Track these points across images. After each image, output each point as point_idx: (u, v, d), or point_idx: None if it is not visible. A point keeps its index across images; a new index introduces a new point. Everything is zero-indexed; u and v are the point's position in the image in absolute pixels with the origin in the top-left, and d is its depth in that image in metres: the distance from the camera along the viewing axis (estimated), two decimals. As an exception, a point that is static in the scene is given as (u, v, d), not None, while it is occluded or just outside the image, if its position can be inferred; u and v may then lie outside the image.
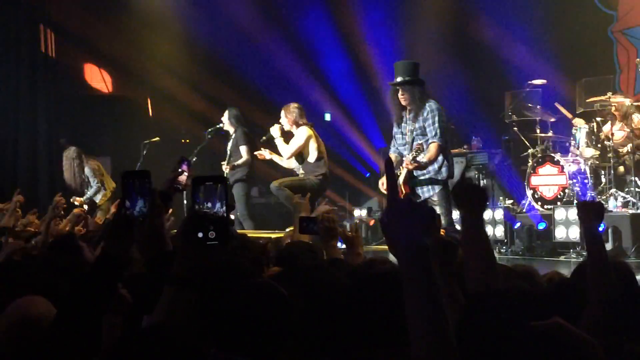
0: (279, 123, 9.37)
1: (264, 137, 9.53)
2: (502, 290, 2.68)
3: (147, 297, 2.18)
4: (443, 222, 7.38)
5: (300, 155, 9.25)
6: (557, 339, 1.74)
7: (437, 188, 7.72)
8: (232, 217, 9.02)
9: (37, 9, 13.25)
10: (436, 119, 7.59)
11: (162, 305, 2.00)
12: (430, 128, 7.61)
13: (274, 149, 9.54)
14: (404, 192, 7.73)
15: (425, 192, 7.77)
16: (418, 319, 1.54)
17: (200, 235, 1.98)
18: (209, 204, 2.03)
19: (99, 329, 2.13)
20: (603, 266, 2.89)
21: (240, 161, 10.05)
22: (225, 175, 9.71)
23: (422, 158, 7.58)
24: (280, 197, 9.03)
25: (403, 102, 7.81)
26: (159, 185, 2.68)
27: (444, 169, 7.74)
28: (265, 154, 9.52)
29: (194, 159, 10.54)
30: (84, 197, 11.10)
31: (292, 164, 9.48)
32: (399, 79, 7.83)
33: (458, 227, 7.42)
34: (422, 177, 7.75)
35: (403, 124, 7.91)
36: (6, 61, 12.92)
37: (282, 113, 9.38)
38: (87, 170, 11.29)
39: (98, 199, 11.25)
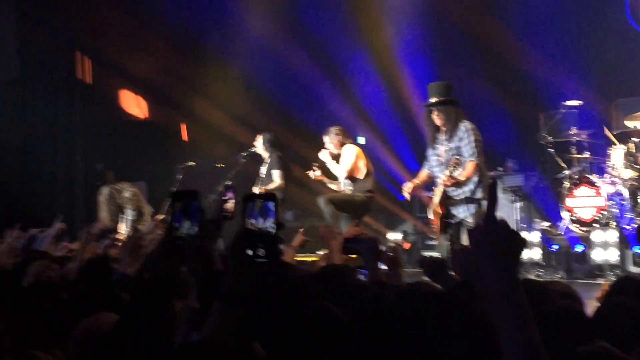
0: (325, 148, 9.43)
1: (314, 168, 9.56)
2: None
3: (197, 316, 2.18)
4: None
5: (349, 173, 9.31)
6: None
7: (473, 209, 7.66)
8: None
9: (73, 35, 13.45)
10: (472, 138, 7.59)
11: (211, 321, 1.99)
12: (467, 147, 7.60)
13: (327, 174, 9.60)
14: (440, 212, 7.71)
15: (461, 213, 7.72)
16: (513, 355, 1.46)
17: (249, 252, 1.98)
18: (259, 221, 2.02)
19: (151, 349, 2.13)
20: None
21: (272, 185, 10.08)
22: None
23: (459, 175, 7.55)
24: (326, 213, 9.07)
25: (438, 123, 7.81)
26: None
27: (479, 189, 7.70)
28: (317, 173, 9.54)
29: (229, 183, 10.59)
30: (124, 231, 11.21)
31: (342, 184, 9.52)
32: (432, 100, 7.84)
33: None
34: (457, 197, 7.71)
35: (437, 145, 7.88)
36: (43, 87, 13.11)
37: (326, 138, 9.44)
38: (123, 199, 11.38)
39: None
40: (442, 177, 7.60)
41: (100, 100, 13.96)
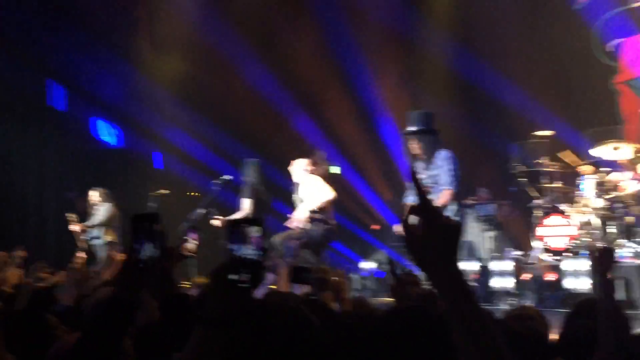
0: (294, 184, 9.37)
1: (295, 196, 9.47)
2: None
3: (165, 340, 2.18)
4: None
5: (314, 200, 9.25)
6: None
7: None
8: None
9: (45, 62, 13.41)
10: (449, 167, 7.62)
11: (192, 344, 1.99)
12: (445, 176, 7.62)
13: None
14: None
15: None
16: (471, 346, 1.49)
17: (233, 277, 1.98)
18: (244, 248, 2.02)
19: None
20: (615, 314, 2.87)
21: (237, 215, 9.95)
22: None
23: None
24: (282, 250, 8.89)
25: (415, 152, 7.84)
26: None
27: (459, 214, 7.73)
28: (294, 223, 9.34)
29: (202, 211, 10.57)
30: (87, 224, 11.34)
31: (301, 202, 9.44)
32: (409, 129, 7.87)
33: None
34: None
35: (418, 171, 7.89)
36: (14, 115, 13.03)
37: (291, 169, 9.35)
38: (106, 205, 11.46)
39: (97, 233, 11.40)
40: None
41: (72, 128, 13.90)
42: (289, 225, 9.29)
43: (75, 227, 11.51)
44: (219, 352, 1.99)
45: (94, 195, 11.65)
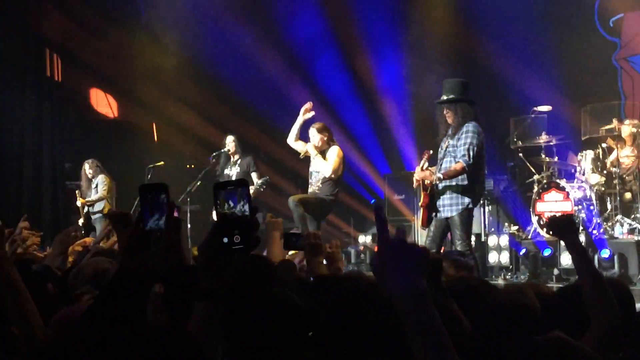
0: (311, 143, 9.33)
1: (301, 156, 9.48)
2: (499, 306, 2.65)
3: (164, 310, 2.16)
4: (460, 247, 7.22)
5: (317, 173, 9.27)
6: (558, 352, 1.71)
7: (457, 211, 7.42)
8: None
9: (43, 34, 13.33)
10: (469, 140, 7.34)
11: (195, 320, 1.96)
12: (461, 148, 7.38)
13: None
14: (423, 201, 7.59)
15: (446, 211, 7.51)
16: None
17: (225, 240, 1.95)
18: (231, 204, 1.98)
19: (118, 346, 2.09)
20: (596, 280, 2.84)
21: (253, 189, 9.99)
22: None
23: (439, 171, 7.47)
24: (295, 213, 8.95)
25: (449, 120, 7.63)
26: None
27: (469, 194, 7.44)
28: (311, 150, 9.33)
29: (198, 183, 10.57)
30: (87, 198, 11.35)
31: (295, 146, 9.45)
32: (444, 97, 7.72)
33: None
34: (445, 195, 7.51)
35: (444, 139, 7.70)
36: (12, 85, 12.98)
37: (313, 132, 9.33)
38: (100, 178, 11.45)
39: (99, 207, 11.41)
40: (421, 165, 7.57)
41: (69, 99, 13.85)
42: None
43: (78, 203, 11.52)
44: (220, 326, 1.96)
45: (86, 168, 11.63)
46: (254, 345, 2.16)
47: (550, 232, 3.14)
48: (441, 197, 7.53)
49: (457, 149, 7.44)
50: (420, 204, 7.75)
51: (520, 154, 11.51)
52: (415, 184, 7.81)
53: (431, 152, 7.85)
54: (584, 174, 10.42)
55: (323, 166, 9.19)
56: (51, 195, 13.13)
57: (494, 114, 12.90)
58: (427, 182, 7.61)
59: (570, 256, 9.27)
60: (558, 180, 10.59)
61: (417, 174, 7.67)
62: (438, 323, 1.49)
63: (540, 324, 2.62)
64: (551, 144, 10.99)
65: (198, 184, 10.73)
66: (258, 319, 2.20)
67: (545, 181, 10.74)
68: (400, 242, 1.55)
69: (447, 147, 7.57)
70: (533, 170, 11.20)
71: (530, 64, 12.87)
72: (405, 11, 14.30)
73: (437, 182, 7.48)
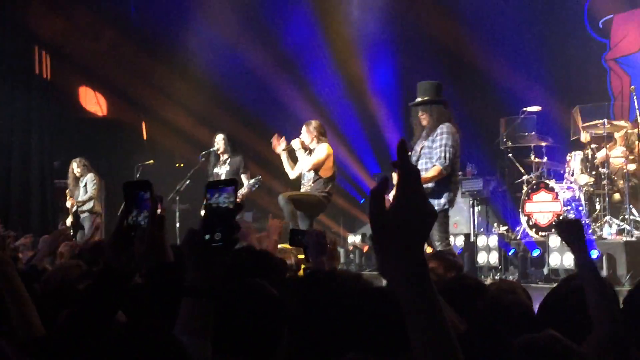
0: (298, 138, 9.34)
1: (283, 148, 9.45)
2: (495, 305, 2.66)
3: (146, 308, 2.15)
4: (439, 247, 7.23)
5: (315, 170, 9.26)
6: (551, 350, 1.71)
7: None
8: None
9: (32, 31, 13.29)
10: (444, 142, 7.35)
11: (182, 318, 1.95)
12: (437, 150, 7.38)
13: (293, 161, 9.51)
14: None
15: None
16: (426, 348, 1.35)
17: (207, 237, 1.95)
18: (217, 202, 1.99)
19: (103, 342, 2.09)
20: (600, 287, 2.84)
21: (245, 190, 9.98)
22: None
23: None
24: (285, 211, 8.96)
25: (423, 123, 7.64)
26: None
27: (444, 196, 7.47)
28: (281, 145, 9.33)
29: (187, 182, 10.56)
30: (78, 200, 11.28)
31: (304, 177, 9.46)
32: (418, 99, 7.74)
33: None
34: None
35: (418, 141, 7.70)
36: (1, 83, 12.93)
37: (304, 129, 9.35)
38: (89, 177, 11.40)
39: (89, 205, 11.37)
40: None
41: (58, 97, 13.81)
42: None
43: (68, 203, 11.48)
44: (210, 324, 1.96)
45: (74, 166, 11.57)
46: (237, 341, 2.17)
47: (558, 235, 3.10)
48: None
49: (433, 150, 7.42)
50: None
51: (510, 155, 11.54)
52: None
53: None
54: (573, 175, 10.45)
55: (304, 160, 9.21)
56: (40, 193, 13.08)
57: (484, 114, 12.94)
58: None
59: (558, 256, 9.37)
60: (547, 181, 10.63)
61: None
62: (440, 305, 1.38)
63: (534, 323, 2.63)
64: (541, 144, 11.03)
65: (187, 182, 10.70)
66: (238, 313, 2.22)
67: (534, 181, 10.77)
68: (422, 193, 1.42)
69: (421, 149, 7.55)
70: (522, 171, 11.23)
71: (520, 64, 12.90)
72: (396, 12, 14.32)
73: None
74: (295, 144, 9.30)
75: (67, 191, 11.60)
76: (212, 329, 1.94)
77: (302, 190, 9.35)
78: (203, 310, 1.94)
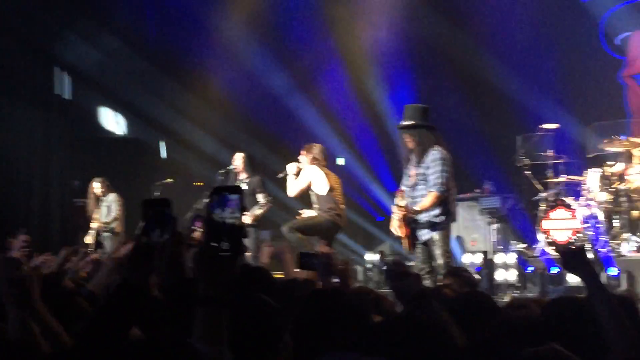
0: (298, 161, 9.41)
1: (280, 175, 9.53)
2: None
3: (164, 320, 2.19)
4: (441, 262, 7.52)
5: (312, 193, 9.29)
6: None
7: (436, 231, 7.65)
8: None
9: (52, 51, 13.44)
10: (438, 168, 7.53)
11: (197, 327, 1.98)
12: (432, 177, 7.56)
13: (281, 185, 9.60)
14: (404, 233, 7.73)
15: (425, 235, 7.71)
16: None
17: (214, 245, 1.98)
18: (222, 213, 2.02)
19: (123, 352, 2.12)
20: (613, 310, 2.83)
21: (261, 211, 10.05)
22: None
23: (416, 206, 7.62)
24: (292, 240, 9.00)
25: (409, 145, 7.83)
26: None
27: (444, 216, 7.66)
28: (289, 169, 9.43)
29: (206, 200, 10.58)
30: (104, 221, 11.29)
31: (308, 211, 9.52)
32: (404, 123, 7.86)
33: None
34: (422, 221, 7.71)
35: (410, 166, 7.89)
36: (21, 103, 13.07)
37: (304, 152, 9.43)
38: (113, 197, 11.45)
39: (111, 226, 11.42)
40: (398, 203, 7.67)
41: (78, 117, 13.94)
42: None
43: (94, 225, 11.50)
44: (225, 330, 1.99)
45: (96, 186, 11.63)
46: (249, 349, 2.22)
47: (563, 267, 3.09)
48: (418, 224, 7.70)
49: (429, 176, 7.60)
50: (402, 234, 7.83)
51: (527, 172, 11.51)
52: (395, 229, 7.85)
53: (404, 189, 7.92)
54: (590, 192, 10.40)
55: (289, 186, 9.30)
56: (60, 212, 13.17)
57: (501, 131, 12.94)
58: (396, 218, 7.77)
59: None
60: (565, 198, 10.59)
61: (396, 214, 7.73)
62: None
63: (544, 339, 2.64)
64: (558, 161, 11.01)
65: (206, 201, 10.75)
66: (250, 323, 2.27)
67: (552, 199, 10.74)
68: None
69: (416, 175, 7.72)
70: (540, 188, 11.20)
71: (536, 81, 12.89)
72: (412, 30, 14.35)
73: (414, 214, 7.63)
74: (290, 168, 9.35)
75: (89, 210, 11.63)
76: (228, 337, 1.97)
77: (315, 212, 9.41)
78: (216, 319, 1.98)
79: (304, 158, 9.40)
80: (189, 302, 2.08)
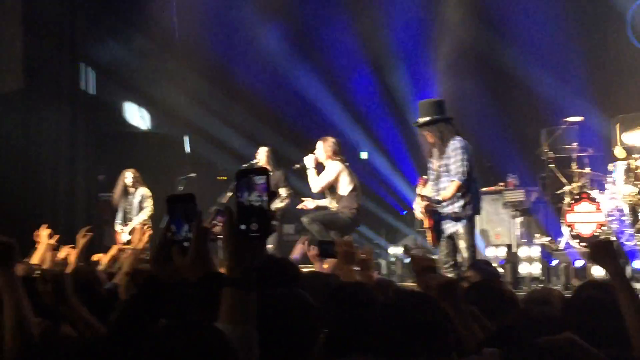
0: (314, 154, 9.44)
1: (296, 165, 9.57)
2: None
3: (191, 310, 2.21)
4: (465, 255, 7.57)
5: (333, 189, 9.31)
6: (568, 352, 1.73)
7: (461, 224, 7.69)
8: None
9: (77, 47, 13.54)
10: (459, 157, 7.59)
11: (225, 308, 2.00)
12: (453, 166, 7.62)
13: (303, 178, 9.60)
14: (428, 224, 7.77)
15: (451, 228, 7.74)
16: None
17: (242, 227, 1.99)
18: (250, 196, 2.03)
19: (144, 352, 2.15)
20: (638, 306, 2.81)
21: (282, 205, 10.09)
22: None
23: (438, 195, 7.65)
24: (313, 231, 9.08)
25: (429, 140, 7.88)
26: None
27: (469, 206, 7.71)
28: (308, 204, 9.53)
29: (230, 194, 10.66)
30: (139, 218, 11.28)
31: (327, 201, 9.56)
32: (420, 120, 7.89)
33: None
34: (446, 212, 7.73)
35: (433, 160, 7.96)
36: (47, 98, 13.17)
37: (319, 144, 9.45)
38: (144, 193, 11.44)
39: (139, 219, 11.41)
40: (419, 192, 7.72)
41: (103, 112, 14.03)
42: (308, 207, 9.48)
43: (128, 228, 11.46)
44: (252, 312, 2.01)
45: (128, 177, 11.59)
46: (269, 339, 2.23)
47: (590, 258, 3.08)
48: (443, 216, 7.74)
49: (450, 166, 7.66)
50: (426, 226, 7.89)
51: (552, 165, 11.45)
52: (420, 215, 7.91)
53: (425, 177, 7.98)
54: (615, 185, 10.32)
55: (312, 180, 9.31)
56: (85, 207, 13.27)
57: (525, 124, 12.88)
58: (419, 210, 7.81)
59: (600, 267, 9.23)
60: (589, 191, 10.52)
61: (419, 204, 7.80)
62: None
63: (560, 330, 2.64)
64: (583, 154, 10.94)
65: (229, 195, 10.80)
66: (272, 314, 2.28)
67: (576, 192, 10.67)
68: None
69: (439, 167, 7.79)
70: (564, 181, 11.14)
71: (561, 74, 12.80)
72: (435, 24, 14.31)
73: (438, 205, 7.67)
74: (308, 161, 9.37)
75: (115, 200, 11.54)
76: (254, 318, 1.98)
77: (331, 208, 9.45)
78: (243, 299, 1.99)
79: (320, 151, 9.42)
80: (216, 286, 2.09)
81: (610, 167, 10.51)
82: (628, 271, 9.25)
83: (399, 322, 2.40)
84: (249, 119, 14.33)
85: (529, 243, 10.93)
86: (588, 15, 13.31)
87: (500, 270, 9.80)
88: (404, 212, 14.62)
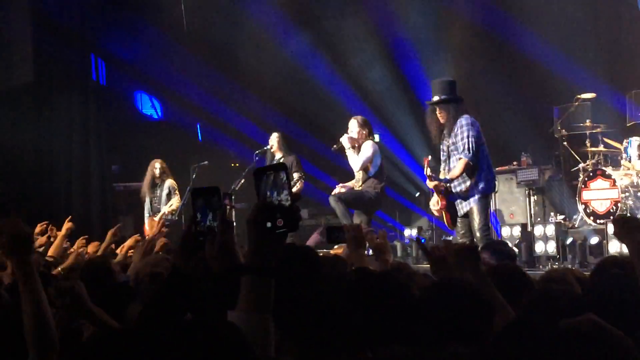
0: (347, 133, 9.45)
1: (335, 147, 9.59)
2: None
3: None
4: (478, 235, 7.56)
5: (364, 167, 9.39)
6: (590, 334, 1.73)
7: (474, 202, 7.68)
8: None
9: (88, 38, 13.57)
10: (465, 134, 7.60)
11: (244, 297, 2.01)
12: (459, 144, 7.65)
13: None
14: (440, 204, 7.80)
15: (465, 206, 7.75)
16: None
17: (269, 225, 2.00)
18: (272, 194, 2.03)
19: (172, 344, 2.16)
20: None
21: (295, 189, 10.09)
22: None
23: (447, 174, 7.68)
24: (337, 210, 9.14)
25: (441, 120, 7.87)
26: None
27: (481, 183, 7.71)
28: (345, 143, 9.40)
29: (242, 181, 10.68)
30: (168, 210, 11.23)
31: (353, 182, 9.60)
32: (435, 98, 7.90)
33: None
34: (458, 191, 7.75)
35: (443, 141, 7.97)
36: (58, 89, 13.22)
37: (353, 124, 9.47)
38: (171, 185, 11.40)
39: (167, 209, 11.36)
40: (426, 173, 7.76)
41: (115, 102, 14.07)
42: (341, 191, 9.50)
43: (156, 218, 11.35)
44: (270, 301, 2.01)
45: (157, 167, 11.49)
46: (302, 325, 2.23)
47: (616, 233, 3.06)
48: (455, 195, 7.77)
49: (458, 144, 7.68)
50: (439, 208, 7.92)
51: (565, 143, 11.41)
52: (434, 201, 7.99)
53: (430, 157, 8.00)
54: (630, 161, 10.28)
55: (353, 160, 9.33)
56: (100, 198, 13.33)
57: (537, 102, 12.82)
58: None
59: (617, 244, 9.22)
60: (604, 168, 10.48)
61: (430, 184, 7.87)
62: None
63: (581, 310, 2.64)
64: (596, 131, 10.89)
65: (242, 182, 10.82)
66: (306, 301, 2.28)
67: (590, 169, 10.63)
68: None
69: (448, 147, 7.84)
70: (578, 159, 11.10)
71: (572, 51, 12.70)
72: (448, 7, 14.23)
73: (448, 184, 7.68)
74: (345, 141, 9.38)
75: (142, 191, 11.48)
76: (272, 306, 1.99)
77: (356, 188, 9.47)
78: (262, 287, 2.00)
79: (354, 129, 9.44)
80: (236, 274, 2.09)
81: (624, 143, 10.46)
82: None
83: (441, 312, 2.42)
84: (260, 106, 14.33)
85: (544, 221, 10.91)
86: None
87: (515, 249, 9.81)
88: (417, 194, 14.61)
